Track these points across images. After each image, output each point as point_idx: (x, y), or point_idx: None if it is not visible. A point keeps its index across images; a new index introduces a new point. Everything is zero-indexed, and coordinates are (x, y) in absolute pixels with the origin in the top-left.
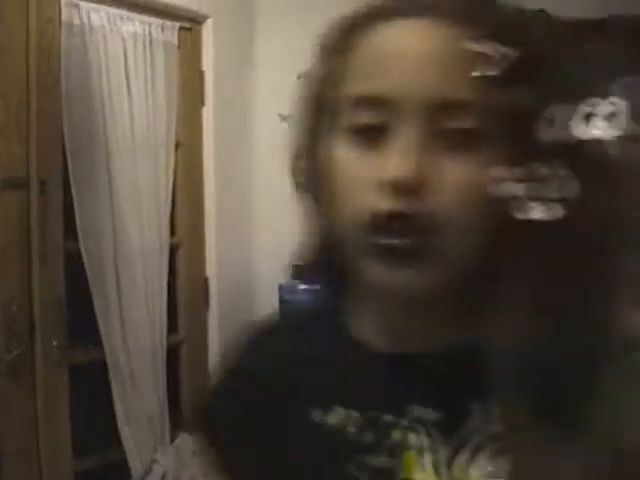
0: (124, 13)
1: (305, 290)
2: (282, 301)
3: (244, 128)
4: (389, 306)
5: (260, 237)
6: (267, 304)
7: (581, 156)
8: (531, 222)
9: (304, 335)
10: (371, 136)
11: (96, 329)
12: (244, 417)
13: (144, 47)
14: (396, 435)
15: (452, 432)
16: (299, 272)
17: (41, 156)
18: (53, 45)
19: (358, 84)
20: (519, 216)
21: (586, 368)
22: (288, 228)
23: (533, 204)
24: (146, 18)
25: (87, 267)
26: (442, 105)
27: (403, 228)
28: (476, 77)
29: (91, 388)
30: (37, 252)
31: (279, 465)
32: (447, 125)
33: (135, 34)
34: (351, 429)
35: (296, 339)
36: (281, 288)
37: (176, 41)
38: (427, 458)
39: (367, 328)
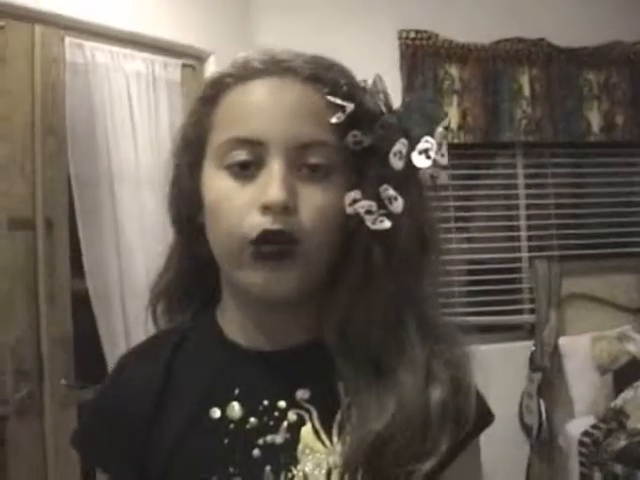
0: (127, 51)
1: None
2: None
3: None
4: (261, 307)
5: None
6: None
7: (407, 181)
8: (370, 236)
9: (186, 344)
10: (246, 170)
11: (104, 367)
12: (127, 431)
13: (147, 85)
14: (291, 415)
15: (325, 406)
16: None
17: (47, 196)
18: (58, 85)
19: (233, 129)
20: (367, 227)
21: (389, 348)
22: None
23: (376, 218)
24: (149, 56)
25: (94, 305)
26: (300, 145)
27: (277, 239)
28: (325, 123)
29: None
30: (44, 291)
31: (184, 463)
32: (306, 160)
33: (138, 72)
34: (252, 419)
35: (179, 348)
36: None
37: (179, 78)
38: (311, 428)
39: (241, 332)
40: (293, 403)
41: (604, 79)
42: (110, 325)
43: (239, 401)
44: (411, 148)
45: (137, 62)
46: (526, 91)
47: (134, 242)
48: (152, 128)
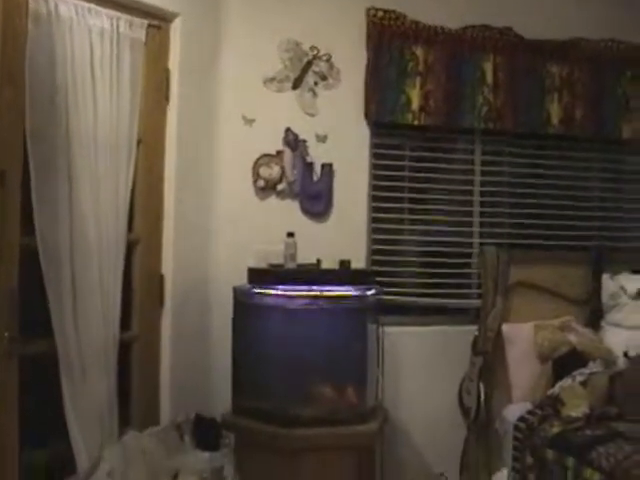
0: (92, 6)
1: (258, 294)
2: (237, 303)
3: (208, 128)
4: None
5: (218, 238)
6: (221, 305)
7: None
8: None
9: None
10: None
11: (49, 322)
12: None
13: (111, 42)
14: None
15: None
16: (254, 276)
17: (1, 145)
18: (19, 34)
19: None
20: None
21: None
22: (246, 231)
23: None
24: (114, 13)
25: (42, 259)
26: None
27: None
28: None
29: (41, 381)
30: None
31: None
32: None
33: (102, 28)
34: None
35: None
36: (236, 290)
37: (144, 38)
38: None
39: None
40: None
41: (567, 73)
42: (57, 279)
43: None
44: None
45: (102, 18)
46: (489, 78)
47: (87, 198)
48: (113, 85)
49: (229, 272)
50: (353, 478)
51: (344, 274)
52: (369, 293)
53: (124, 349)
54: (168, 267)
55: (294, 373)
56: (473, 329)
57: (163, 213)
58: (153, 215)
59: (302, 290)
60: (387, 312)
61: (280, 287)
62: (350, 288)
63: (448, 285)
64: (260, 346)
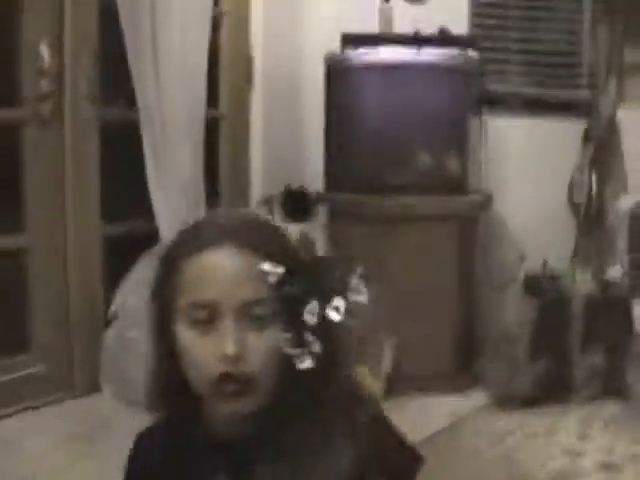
0: None
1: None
2: (330, 71)
3: None
4: (226, 419)
5: (310, 10)
6: (314, 82)
7: (324, 328)
8: (297, 370)
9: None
10: (205, 326)
11: (131, 88)
12: None
13: None
14: None
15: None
16: (348, 41)
17: None
18: None
19: (191, 294)
20: (295, 364)
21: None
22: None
23: (302, 357)
24: None
25: (122, 19)
26: (245, 303)
27: (234, 379)
28: (264, 283)
29: (123, 151)
30: None
31: None
32: (251, 313)
33: None
34: None
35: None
36: (328, 56)
37: None
38: None
39: (213, 428)
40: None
41: None
42: (138, 43)
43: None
44: (324, 304)
45: None
46: None
47: None
48: None
49: (323, 47)
50: (453, 251)
51: (444, 39)
52: (470, 54)
53: (212, 127)
54: (258, 44)
55: (391, 140)
56: (584, 125)
57: None
58: None
59: (399, 52)
60: (490, 105)
61: (375, 50)
62: (451, 50)
63: (556, 75)
64: (354, 114)
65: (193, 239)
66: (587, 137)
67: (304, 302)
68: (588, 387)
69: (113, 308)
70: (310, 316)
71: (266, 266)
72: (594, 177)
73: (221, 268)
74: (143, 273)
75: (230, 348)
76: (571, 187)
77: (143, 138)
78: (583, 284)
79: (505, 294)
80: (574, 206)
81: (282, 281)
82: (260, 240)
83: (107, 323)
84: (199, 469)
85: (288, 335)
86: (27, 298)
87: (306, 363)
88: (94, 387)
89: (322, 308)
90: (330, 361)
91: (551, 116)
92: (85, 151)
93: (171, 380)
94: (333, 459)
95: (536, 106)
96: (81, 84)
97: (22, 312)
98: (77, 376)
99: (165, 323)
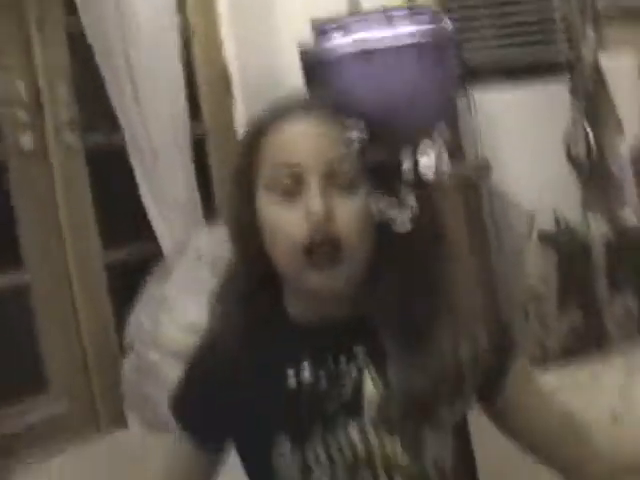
0: None
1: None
2: (306, 65)
3: None
4: (315, 297)
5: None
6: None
7: (420, 188)
8: (395, 234)
9: (256, 320)
10: (290, 196)
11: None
12: (220, 394)
13: None
14: (353, 370)
15: (377, 362)
16: (318, 27)
17: None
18: None
19: (275, 157)
20: (391, 229)
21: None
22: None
23: (398, 220)
24: None
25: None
26: (331, 165)
27: (324, 245)
28: (349, 146)
29: (113, 174)
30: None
31: (261, 424)
32: (337, 176)
33: None
34: (321, 372)
35: (250, 323)
36: (302, 50)
37: None
38: (369, 377)
39: (299, 311)
40: (352, 357)
41: None
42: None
43: (309, 360)
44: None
45: None
46: None
47: None
48: None
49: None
50: (460, 220)
51: (415, 12)
52: (444, 25)
53: (199, 146)
54: (231, 56)
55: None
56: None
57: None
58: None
59: (372, 33)
60: (473, 77)
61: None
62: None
63: (531, 32)
64: None
65: (281, 107)
66: (575, 91)
67: (392, 164)
68: (624, 329)
69: (128, 339)
70: (407, 171)
71: (351, 132)
72: (589, 129)
73: (306, 133)
74: (154, 293)
75: (318, 207)
76: (568, 143)
77: (134, 167)
78: (599, 231)
79: (522, 256)
80: (574, 161)
81: (366, 147)
82: (342, 109)
83: (123, 351)
84: (281, 357)
85: (381, 197)
86: (37, 336)
87: (406, 225)
88: (118, 418)
89: (415, 163)
90: (431, 223)
91: (535, 78)
92: (74, 178)
93: (253, 265)
94: (447, 341)
95: (518, 71)
96: (61, 113)
97: (34, 352)
98: (100, 409)
99: (248, 197)
